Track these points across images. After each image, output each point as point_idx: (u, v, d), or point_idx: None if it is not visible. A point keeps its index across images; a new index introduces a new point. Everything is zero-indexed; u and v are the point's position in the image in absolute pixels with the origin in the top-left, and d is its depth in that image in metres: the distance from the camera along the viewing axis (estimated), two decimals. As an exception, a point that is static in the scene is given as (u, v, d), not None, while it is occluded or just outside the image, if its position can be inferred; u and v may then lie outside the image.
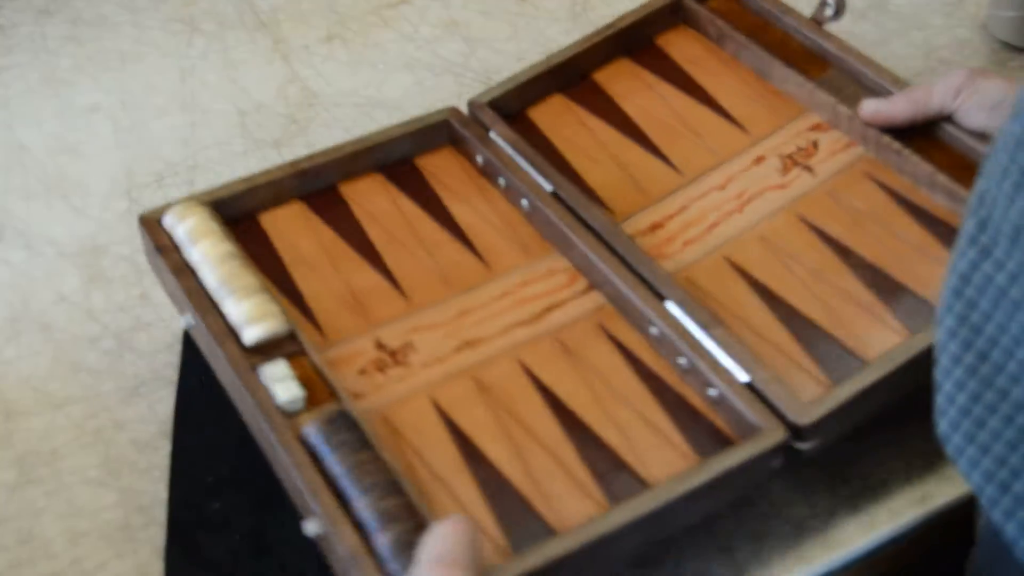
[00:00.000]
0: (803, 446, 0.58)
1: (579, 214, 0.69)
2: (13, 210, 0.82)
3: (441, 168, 0.74)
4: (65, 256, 0.79)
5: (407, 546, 0.52)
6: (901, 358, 0.60)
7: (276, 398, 0.59)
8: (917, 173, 0.69)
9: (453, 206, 0.72)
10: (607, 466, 0.58)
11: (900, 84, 0.72)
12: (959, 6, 0.96)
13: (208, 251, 0.65)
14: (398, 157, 0.74)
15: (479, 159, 0.74)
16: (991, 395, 0.46)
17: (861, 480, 0.65)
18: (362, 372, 0.63)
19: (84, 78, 0.93)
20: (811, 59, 0.76)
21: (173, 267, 0.66)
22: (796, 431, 0.58)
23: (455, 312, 0.66)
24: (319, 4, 0.99)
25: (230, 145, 0.87)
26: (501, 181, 0.72)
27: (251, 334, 0.62)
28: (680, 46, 0.81)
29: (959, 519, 0.63)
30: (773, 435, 0.57)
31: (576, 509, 0.56)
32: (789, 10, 0.79)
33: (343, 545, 0.53)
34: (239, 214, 0.70)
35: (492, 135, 0.74)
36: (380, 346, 0.64)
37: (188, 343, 0.72)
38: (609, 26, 0.80)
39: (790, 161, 0.72)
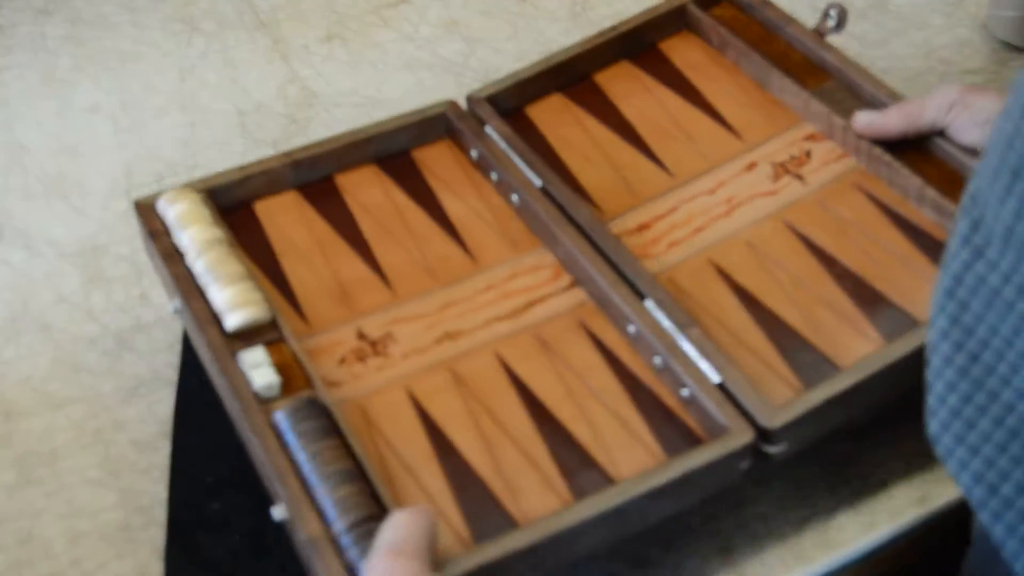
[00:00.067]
0: (772, 449, 0.58)
1: (567, 211, 0.69)
2: (13, 210, 0.82)
3: (436, 161, 0.75)
4: (65, 256, 0.79)
5: (367, 534, 0.53)
6: (873, 366, 0.60)
7: (252, 384, 0.60)
8: (907, 186, 0.69)
9: (445, 199, 0.73)
10: (576, 463, 0.59)
11: (897, 98, 0.72)
12: (959, 6, 0.96)
13: (195, 236, 0.66)
14: (395, 149, 0.75)
15: (473, 153, 0.74)
16: (981, 396, 0.46)
17: (861, 480, 0.65)
18: (342, 361, 0.64)
19: (84, 78, 0.93)
20: (811, 70, 0.77)
21: (163, 252, 0.67)
22: (764, 434, 0.58)
23: (439, 304, 0.67)
24: (319, 4, 0.99)
25: (230, 145, 0.87)
26: (493, 176, 0.73)
27: (232, 320, 0.63)
28: (682, 51, 0.81)
29: (959, 519, 0.63)
30: (740, 437, 0.57)
31: (541, 504, 0.57)
32: (792, 20, 0.79)
33: (305, 531, 0.54)
34: (234, 202, 0.71)
35: (487, 130, 0.74)
36: (361, 336, 0.65)
37: (188, 343, 0.72)
38: (612, 28, 0.80)
39: (781, 169, 0.72)
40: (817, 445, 0.61)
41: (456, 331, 0.65)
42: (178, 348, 0.72)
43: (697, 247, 0.69)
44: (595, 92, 0.79)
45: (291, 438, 0.57)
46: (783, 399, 0.60)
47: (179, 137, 0.87)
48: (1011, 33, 0.92)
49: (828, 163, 0.73)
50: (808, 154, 0.73)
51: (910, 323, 0.63)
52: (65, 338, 0.74)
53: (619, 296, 0.64)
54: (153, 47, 0.95)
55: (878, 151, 0.70)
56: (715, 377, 0.60)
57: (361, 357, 0.64)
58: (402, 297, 0.67)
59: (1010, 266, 0.44)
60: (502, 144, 0.73)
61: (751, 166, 0.73)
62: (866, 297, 0.65)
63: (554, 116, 0.78)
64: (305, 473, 0.56)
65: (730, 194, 0.72)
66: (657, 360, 0.62)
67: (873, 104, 0.73)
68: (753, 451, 0.58)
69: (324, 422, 0.58)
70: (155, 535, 0.64)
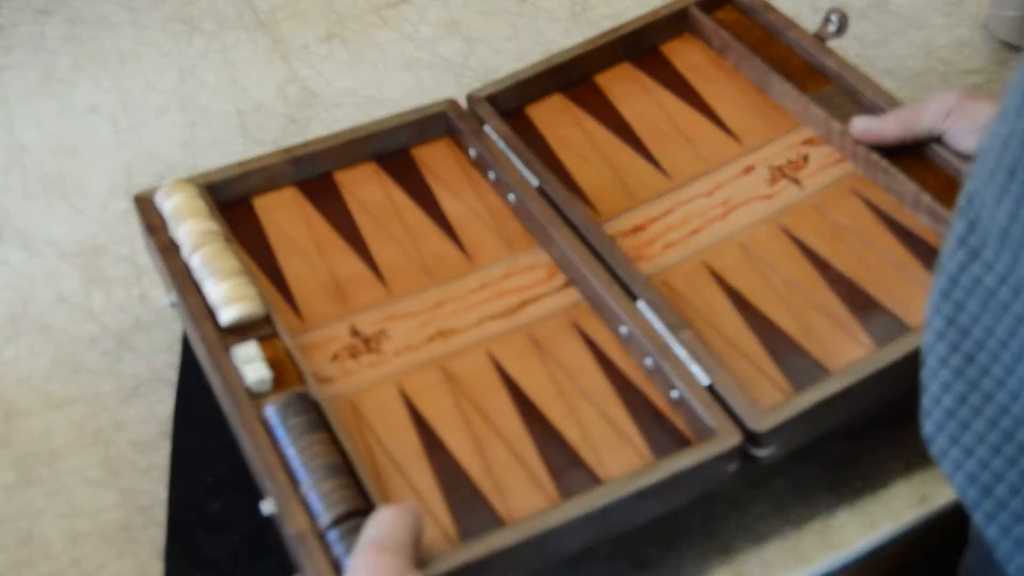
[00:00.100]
0: (760, 453, 0.58)
1: (562, 211, 0.69)
2: (13, 210, 0.82)
3: (436, 159, 0.75)
4: (65, 256, 0.79)
5: (354, 530, 0.53)
6: (864, 371, 0.60)
7: (244, 379, 0.60)
8: (903, 192, 0.69)
9: (443, 197, 0.73)
10: (564, 462, 0.59)
11: (896, 104, 0.72)
12: (959, 6, 0.96)
13: (190, 228, 0.67)
14: (395, 147, 0.75)
15: (472, 152, 0.74)
16: (976, 398, 0.46)
17: (861, 480, 0.65)
18: (335, 357, 0.64)
19: (83, 78, 0.93)
20: (811, 74, 0.77)
21: (160, 246, 0.67)
22: (753, 437, 0.58)
23: (433, 302, 0.67)
24: (318, 3, 0.99)
25: (229, 145, 0.87)
26: (491, 175, 0.73)
27: (227, 315, 0.63)
28: (683, 54, 0.81)
29: (959, 520, 0.63)
30: (728, 439, 0.57)
31: (528, 503, 0.57)
32: (793, 25, 0.79)
33: (293, 526, 0.54)
34: (233, 198, 0.72)
35: (486, 129, 0.75)
36: (355, 333, 0.65)
37: (188, 344, 0.72)
38: (614, 30, 0.80)
39: (779, 173, 0.72)
40: (810, 448, 0.61)
41: (449, 329, 0.66)
42: (178, 348, 0.72)
43: (692, 249, 0.69)
44: (595, 93, 0.79)
45: (280, 432, 0.58)
46: (773, 402, 0.60)
47: (179, 137, 0.87)
48: (1011, 33, 0.92)
49: (825, 168, 0.73)
50: (806, 158, 0.73)
51: (902, 329, 0.63)
52: (65, 338, 0.74)
53: (612, 297, 0.64)
54: (153, 47, 0.95)
55: (875, 156, 0.71)
56: (704, 379, 0.60)
57: (354, 354, 0.64)
58: (397, 294, 0.68)
59: (1006, 267, 0.44)
60: (500, 144, 0.74)
61: (748, 169, 0.73)
62: (859, 302, 0.65)
63: (554, 116, 0.78)
64: (293, 467, 0.56)
65: (726, 197, 0.72)
66: (648, 361, 0.62)
67: (872, 109, 0.73)
68: (741, 454, 0.58)
69: (313, 416, 0.58)
70: (155, 535, 0.64)
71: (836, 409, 0.60)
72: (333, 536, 0.54)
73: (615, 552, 0.62)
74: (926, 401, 0.48)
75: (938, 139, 0.70)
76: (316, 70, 0.93)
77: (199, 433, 0.68)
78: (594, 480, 0.58)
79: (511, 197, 0.72)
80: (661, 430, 0.60)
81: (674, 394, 0.60)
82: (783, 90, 0.76)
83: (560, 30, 0.96)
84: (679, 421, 0.60)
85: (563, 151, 0.76)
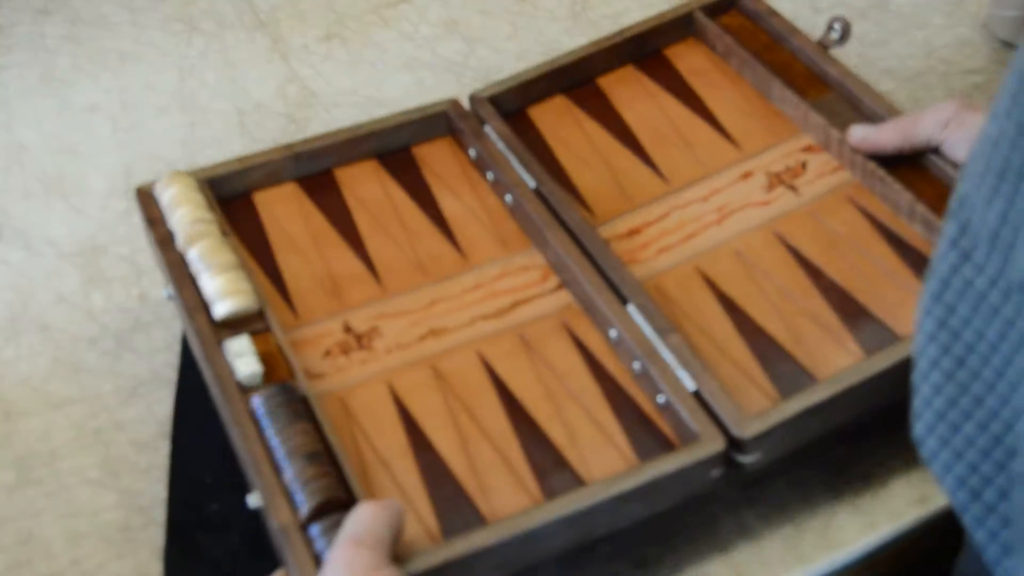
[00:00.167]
0: (745, 459, 0.58)
1: (558, 213, 0.69)
2: (12, 210, 0.82)
3: (436, 159, 0.75)
4: (64, 256, 0.79)
5: (335, 526, 0.54)
6: (851, 380, 0.60)
7: (236, 373, 0.61)
8: (898, 201, 0.69)
9: (441, 196, 0.73)
10: (549, 463, 0.59)
11: (896, 113, 0.72)
12: (960, 5, 0.96)
13: (184, 217, 0.67)
14: (396, 146, 0.76)
15: (472, 152, 0.75)
16: (966, 401, 0.46)
17: (861, 480, 0.65)
18: (327, 354, 0.65)
19: (83, 78, 0.93)
20: (813, 81, 0.77)
21: (160, 239, 0.67)
22: (737, 443, 0.58)
23: (426, 301, 0.67)
24: (318, 3, 0.99)
25: (229, 144, 0.86)
26: (490, 175, 0.73)
27: (220, 309, 0.63)
28: (686, 58, 0.81)
29: (959, 520, 0.63)
30: (711, 445, 0.58)
31: (512, 503, 0.57)
32: (796, 32, 0.79)
33: (277, 519, 0.55)
34: (234, 192, 0.72)
35: (486, 129, 0.75)
36: (348, 329, 0.66)
37: (187, 344, 0.72)
38: (618, 33, 0.80)
39: (776, 179, 0.72)
40: (809, 448, 0.61)
41: (441, 328, 0.66)
42: (177, 348, 0.72)
43: (686, 254, 0.69)
44: (597, 95, 0.79)
45: (266, 423, 0.58)
46: (759, 409, 0.60)
47: (178, 137, 0.87)
48: (1012, 33, 0.92)
49: (823, 175, 0.73)
50: (804, 165, 0.73)
51: (891, 338, 0.63)
52: (65, 338, 0.74)
53: (602, 300, 0.64)
54: (153, 47, 0.95)
55: (872, 165, 0.71)
56: (691, 385, 0.60)
57: (346, 350, 0.65)
58: (391, 292, 0.68)
59: (996, 270, 0.44)
60: (499, 144, 0.74)
61: (746, 175, 0.73)
62: (850, 310, 0.65)
63: (555, 118, 0.78)
64: (277, 458, 0.57)
65: (723, 202, 0.72)
66: (636, 365, 0.62)
67: (872, 118, 0.73)
68: (726, 460, 0.58)
69: (297, 407, 0.59)
70: (155, 535, 0.64)
71: (822, 417, 0.60)
72: (315, 531, 0.54)
73: (615, 552, 0.62)
74: (917, 403, 0.48)
75: (936, 149, 0.70)
76: (316, 70, 0.93)
77: (198, 433, 0.68)
78: (577, 481, 0.58)
79: (508, 198, 0.72)
80: (647, 434, 0.60)
81: (660, 399, 0.61)
82: (784, 97, 0.76)
83: (560, 29, 0.96)
84: (665, 426, 0.60)
85: (562, 153, 0.76)
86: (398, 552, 0.53)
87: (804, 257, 0.68)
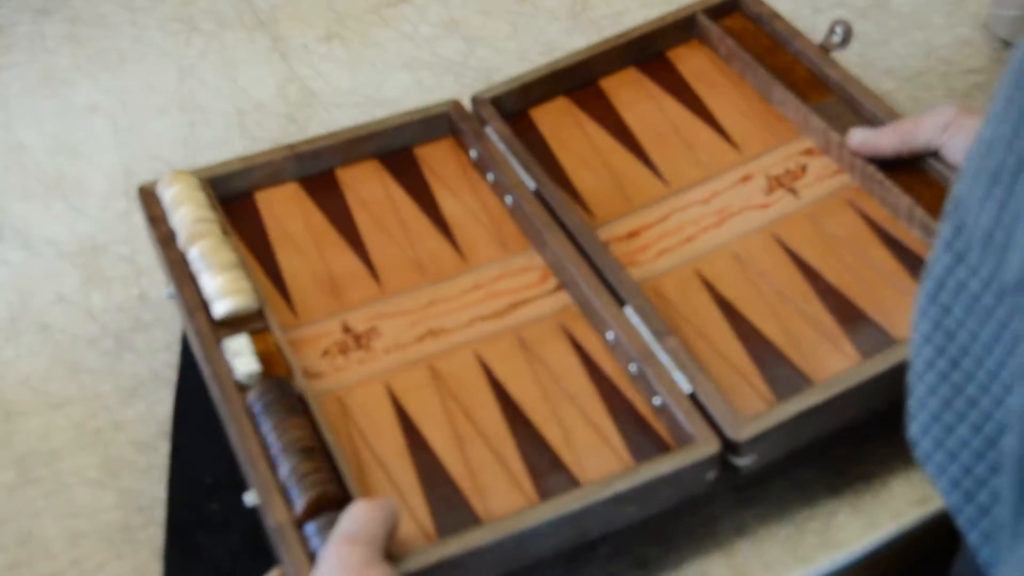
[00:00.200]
0: (740, 461, 0.59)
1: (557, 214, 0.70)
2: (12, 210, 0.82)
3: (437, 159, 0.75)
4: (64, 256, 0.79)
5: (330, 524, 0.54)
6: (846, 383, 0.60)
7: (234, 372, 0.61)
8: (897, 205, 0.69)
9: (442, 197, 0.73)
10: (544, 464, 0.59)
11: (896, 117, 0.72)
12: (960, 5, 0.96)
13: (185, 215, 0.67)
14: (397, 146, 0.76)
15: (473, 153, 0.75)
16: (961, 402, 0.46)
17: (861, 480, 0.65)
18: (325, 353, 0.65)
19: (83, 78, 0.93)
20: (814, 84, 0.77)
21: (161, 238, 0.68)
22: (732, 446, 0.58)
23: (425, 301, 0.67)
24: (318, 3, 0.99)
25: (229, 144, 0.86)
26: (490, 176, 0.73)
27: (220, 307, 0.63)
28: (689, 61, 0.81)
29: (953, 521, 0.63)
30: (706, 447, 0.58)
31: (507, 503, 0.58)
32: (799, 35, 0.79)
33: (273, 518, 0.55)
34: (236, 192, 0.72)
35: (487, 130, 0.75)
36: (346, 329, 0.66)
37: (187, 344, 0.72)
38: (621, 35, 0.80)
39: (776, 182, 0.73)
40: (809, 448, 0.61)
41: (439, 329, 0.66)
42: (177, 348, 0.72)
43: (685, 257, 0.69)
44: (599, 97, 0.79)
45: (261, 419, 0.58)
46: (754, 411, 0.60)
47: (178, 137, 0.87)
48: (1012, 32, 0.92)
49: (823, 179, 0.73)
50: (804, 168, 0.73)
51: (888, 341, 0.63)
52: (64, 338, 0.74)
53: (600, 302, 0.64)
54: (152, 47, 0.95)
55: (871, 169, 0.71)
56: (687, 387, 0.60)
57: (344, 350, 0.65)
58: (390, 292, 0.68)
59: (989, 272, 0.44)
60: (500, 145, 0.74)
61: (746, 178, 0.73)
62: (847, 314, 0.65)
63: (556, 119, 0.78)
64: (272, 453, 0.57)
65: (723, 205, 0.72)
66: (633, 367, 0.62)
67: (872, 122, 0.73)
68: (721, 462, 0.58)
69: (292, 402, 0.59)
70: (155, 535, 0.64)
71: (817, 420, 0.60)
72: (311, 530, 0.54)
73: (615, 552, 0.62)
74: (912, 404, 0.48)
75: (935, 153, 0.70)
76: (316, 70, 0.93)
77: (198, 433, 0.68)
78: (573, 482, 0.58)
79: (508, 199, 0.72)
80: (642, 436, 0.60)
81: (656, 400, 0.61)
82: (784, 99, 0.76)
83: (560, 29, 0.96)
84: (660, 428, 0.61)
85: (563, 154, 0.76)
86: (393, 550, 0.53)
87: (802, 260, 0.68)
